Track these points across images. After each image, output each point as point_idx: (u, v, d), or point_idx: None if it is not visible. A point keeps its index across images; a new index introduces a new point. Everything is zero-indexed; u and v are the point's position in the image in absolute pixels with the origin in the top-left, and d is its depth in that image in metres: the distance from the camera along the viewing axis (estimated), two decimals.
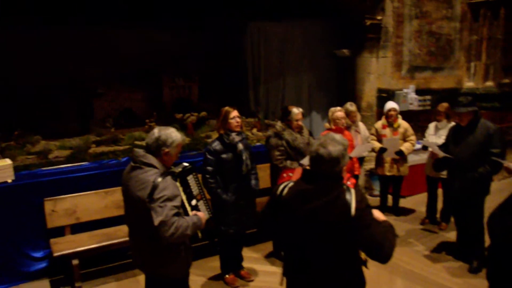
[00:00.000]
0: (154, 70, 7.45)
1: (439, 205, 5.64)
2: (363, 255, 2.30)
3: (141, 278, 3.93)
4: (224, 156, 3.96)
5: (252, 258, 4.77)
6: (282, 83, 7.65)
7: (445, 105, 5.44)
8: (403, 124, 5.72)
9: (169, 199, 2.45)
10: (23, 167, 4.71)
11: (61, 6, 6.07)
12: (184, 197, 2.69)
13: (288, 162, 4.42)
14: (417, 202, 6.49)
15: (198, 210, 2.81)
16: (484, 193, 4.33)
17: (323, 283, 2.21)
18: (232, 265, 4.31)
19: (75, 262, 4.04)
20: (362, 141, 5.61)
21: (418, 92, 7.25)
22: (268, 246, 4.96)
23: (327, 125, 5.13)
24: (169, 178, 2.56)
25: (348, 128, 5.28)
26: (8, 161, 4.42)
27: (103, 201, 4.58)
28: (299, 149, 4.44)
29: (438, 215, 5.67)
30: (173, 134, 2.67)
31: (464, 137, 4.25)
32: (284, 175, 4.30)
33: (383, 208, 5.96)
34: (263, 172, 4.99)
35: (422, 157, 6.33)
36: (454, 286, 4.16)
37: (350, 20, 7.06)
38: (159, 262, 2.66)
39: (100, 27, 6.59)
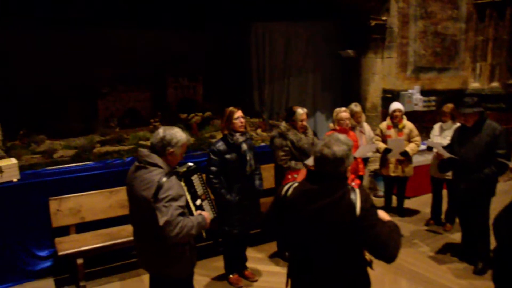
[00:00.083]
0: (158, 70, 7.48)
1: (444, 206, 5.62)
2: (368, 256, 2.29)
3: (145, 277, 3.93)
4: (228, 156, 3.96)
5: (256, 258, 4.77)
6: (286, 83, 7.65)
7: (450, 106, 5.41)
8: (408, 125, 5.70)
9: (174, 199, 2.45)
10: (28, 167, 4.73)
11: (64, 7, 6.11)
12: (188, 197, 2.69)
13: (293, 163, 4.42)
14: (421, 203, 6.47)
15: (203, 210, 2.81)
16: (490, 194, 4.30)
17: (328, 284, 2.20)
18: (236, 265, 4.31)
19: (79, 261, 4.06)
20: (366, 141, 5.60)
21: (423, 92, 7.23)
22: (272, 247, 4.95)
23: (331, 125, 5.12)
24: (173, 178, 2.56)
25: (352, 128, 5.27)
26: (13, 161, 4.44)
27: (107, 201, 4.59)
28: (303, 149, 4.44)
29: (442, 216, 5.65)
30: (178, 134, 2.67)
31: (470, 138, 4.23)
32: (289, 176, 4.29)
33: (387, 209, 5.93)
34: (267, 173, 4.99)
35: (427, 158, 6.30)
36: (459, 287, 4.14)
37: (354, 20, 7.05)
38: (164, 262, 2.67)
39: (105, 28, 6.63)
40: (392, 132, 5.68)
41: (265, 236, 4.87)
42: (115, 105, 7.04)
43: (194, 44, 7.68)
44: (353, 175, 4.72)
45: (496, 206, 3.98)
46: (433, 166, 5.37)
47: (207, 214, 2.76)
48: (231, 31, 7.74)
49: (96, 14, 6.29)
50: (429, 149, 5.51)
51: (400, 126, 5.66)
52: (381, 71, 7.10)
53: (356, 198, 2.10)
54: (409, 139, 5.65)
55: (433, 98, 7.32)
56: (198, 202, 2.81)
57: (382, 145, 5.66)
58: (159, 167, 2.58)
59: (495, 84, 7.82)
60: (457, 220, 5.11)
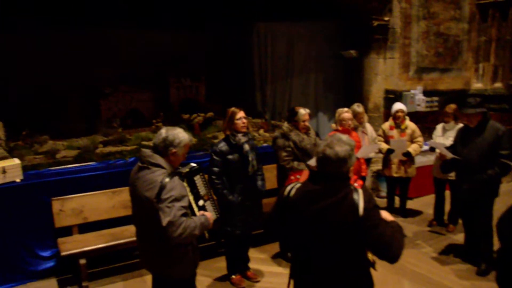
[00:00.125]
0: (160, 70, 7.48)
1: (447, 207, 5.61)
2: (371, 257, 2.29)
3: (148, 278, 3.94)
4: (230, 157, 3.95)
5: (259, 259, 4.77)
6: (288, 83, 7.65)
7: (453, 106, 5.40)
8: (410, 125, 5.70)
9: (177, 199, 2.46)
10: (31, 167, 4.75)
11: (67, 7, 6.12)
12: (191, 198, 2.69)
13: (295, 163, 4.41)
14: (424, 203, 6.46)
15: (205, 210, 2.81)
16: (493, 195, 4.28)
17: (331, 284, 2.20)
18: (239, 265, 4.30)
19: (82, 261, 4.06)
20: (369, 142, 5.59)
21: (426, 93, 7.23)
22: (275, 247, 4.95)
23: (333, 126, 5.12)
24: (176, 178, 2.56)
25: (355, 129, 5.26)
26: (16, 161, 4.46)
27: (110, 201, 4.60)
28: (306, 150, 4.44)
29: (445, 217, 5.64)
30: (180, 135, 2.67)
31: (473, 138, 4.21)
32: (292, 177, 4.29)
33: (390, 209, 5.92)
34: (270, 173, 4.98)
35: (430, 159, 6.30)
36: None
37: (357, 21, 7.04)
38: (166, 262, 2.67)
39: (105, 28, 6.63)
40: (394, 132, 5.67)
41: (268, 236, 4.88)
42: (118, 106, 7.04)
43: (196, 45, 7.69)
44: (356, 175, 4.72)
45: (499, 207, 3.96)
46: (436, 167, 5.35)
47: (210, 215, 2.76)
48: (233, 31, 7.74)
49: (98, 14, 6.30)
50: (432, 149, 5.49)
51: (403, 126, 5.65)
52: (384, 72, 7.09)
53: (359, 198, 2.09)
54: (412, 140, 5.65)
55: (435, 98, 7.31)
56: (201, 202, 2.80)
57: (384, 146, 5.65)
58: (162, 167, 2.58)
59: (498, 84, 7.80)
60: (460, 221, 5.10)
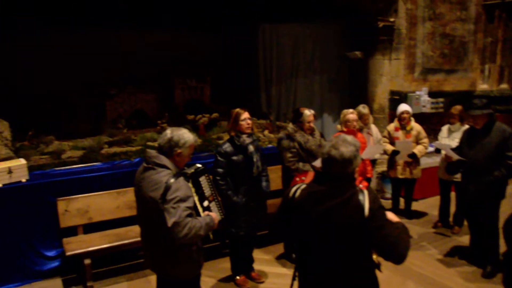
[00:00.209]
0: (166, 71, 7.50)
1: (452, 208, 5.58)
2: (376, 258, 2.28)
3: (152, 278, 3.94)
4: (234, 158, 3.95)
5: (263, 260, 4.76)
6: (294, 84, 7.65)
7: (458, 107, 5.38)
8: (416, 126, 5.67)
9: (182, 200, 2.46)
10: (37, 167, 4.77)
11: (68, 7, 6.15)
12: (196, 198, 2.69)
13: (300, 164, 4.41)
14: (429, 205, 6.43)
15: (210, 211, 2.81)
16: (500, 197, 4.25)
17: (335, 285, 2.19)
18: (243, 266, 4.30)
19: (87, 261, 4.08)
20: (374, 143, 5.57)
21: (431, 94, 7.20)
22: (279, 248, 4.94)
23: (339, 127, 5.11)
24: (181, 179, 2.57)
25: (360, 130, 5.25)
26: (22, 161, 4.48)
27: (115, 202, 4.61)
28: (311, 151, 4.43)
29: (451, 219, 5.61)
30: (185, 135, 2.68)
31: (479, 140, 4.19)
32: (297, 179, 4.28)
33: (395, 211, 5.90)
34: (275, 174, 4.98)
35: (435, 160, 6.27)
36: None
37: (362, 22, 7.02)
38: (171, 263, 2.67)
39: (108, 29, 6.64)
40: (400, 134, 5.65)
41: (272, 237, 4.87)
42: (123, 106, 7.08)
43: (201, 46, 7.70)
44: (361, 177, 4.71)
45: (505, 209, 3.95)
46: (441, 168, 5.34)
47: (215, 215, 2.76)
48: (239, 32, 7.75)
49: (98, 14, 6.32)
50: (437, 151, 5.46)
51: (408, 128, 5.63)
52: (389, 73, 7.07)
53: (365, 199, 2.09)
54: (417, 141, 5.63)
55: (441, 100, 7.28)
56: (206, 203, 2.81)
57: (390, 147, 5.63)
58: (167, 168, 2.58)
59: (504, 85, 7.76)
60: (465, 223, 5.07)
